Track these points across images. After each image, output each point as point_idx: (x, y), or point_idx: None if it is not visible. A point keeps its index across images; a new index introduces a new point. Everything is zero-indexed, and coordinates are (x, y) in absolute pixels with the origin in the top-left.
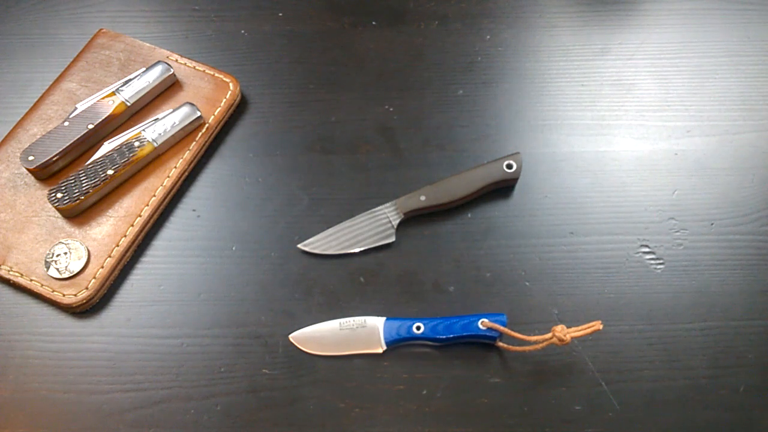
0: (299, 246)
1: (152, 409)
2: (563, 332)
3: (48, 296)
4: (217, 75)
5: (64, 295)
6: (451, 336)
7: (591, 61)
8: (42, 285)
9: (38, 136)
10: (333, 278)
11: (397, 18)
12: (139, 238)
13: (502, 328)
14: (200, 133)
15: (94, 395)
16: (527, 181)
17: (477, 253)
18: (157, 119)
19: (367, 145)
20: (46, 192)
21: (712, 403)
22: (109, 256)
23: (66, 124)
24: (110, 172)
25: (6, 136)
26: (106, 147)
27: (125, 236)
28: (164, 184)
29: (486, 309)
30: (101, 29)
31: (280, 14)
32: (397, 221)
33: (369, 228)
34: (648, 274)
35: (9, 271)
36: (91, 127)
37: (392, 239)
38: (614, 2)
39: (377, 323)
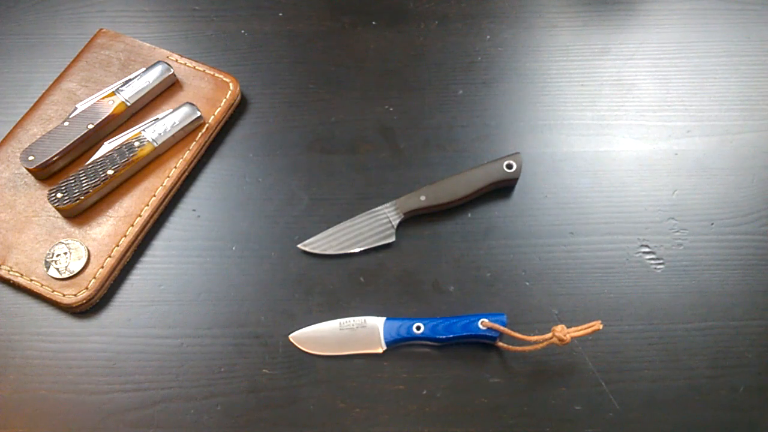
0: (299, 246)
1: (152, 409)
2: (563, 332)
3: (48, 296)
4: (217, 75)
5: (64, 295)
6: (451, 336)
7: (591, 61)
8: (42, 285)
9: (38, 136)
10: (333, 278)
11: (397, 18)
12: (139, 238)
13: (502, 328)
14: (200, 133)
15: (94, 395)
16: (527, 181)
17: (477, 253)
18: (157, 119)
19: (367, 145)
20: (46, 192)
21: (712, 403)
22: (109, 256)
23: (66, 124)
24: (110, 172)
25: (6, 136)
26: (106, 147)
27: (125, 236)
28: (164, 184)
29: (486, 309)
30: (101, 29)
31: (280, 14)
32: (397, 221)
33: (369, 228)
34: (648, 274)
35: (9, 271)
36: (91, 127)
37: (392, 239)
38: (614, 2)
39: (377, 323)
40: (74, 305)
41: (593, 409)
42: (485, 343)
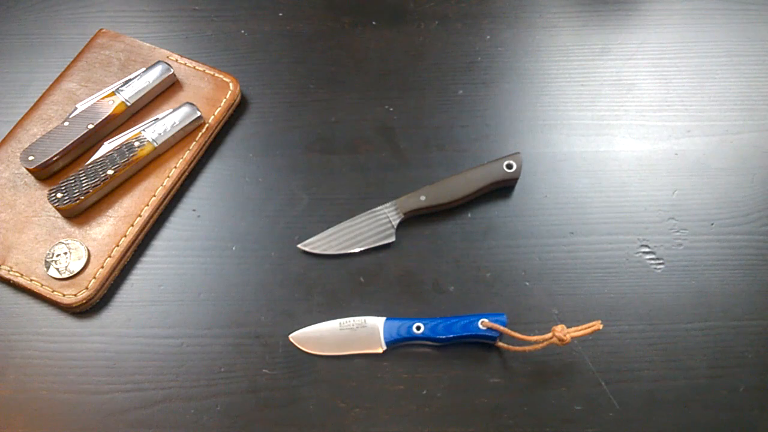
0: (299, 246)
1: (152, 409)
2: (563, 332)
3: (48, 296)
4: (217, 75)
5: (64, 295)
6: (451, 336)
7: (591, 61)
8: (42, 285)
9: (38, 136)
10: (333, 278)
11: (397, 18)
12: (139, 238)
13: (502, 328)
14: (200, 133)
15: (94, 395)
16: (527, 181)
17: (477, 253)
18: (157, 119)
19: (367, 145)
20: (46, 192)
21: (712, 403)
22: (109, 256)
23: (66, 124)
24: (110, 172)
25: (6, 136)
26: (106, 147)
27: (125, 236)
28: (164, 184)
29: (486, 309)
30: (101, 29)
31: (280, 14)
32: (397, 221)
33: (369, 228)
34: (648, 274)
35: (9, 271)
36: (91, 127)
37: (392, 239)
38: (614, 2)
39: (377, 323)
40: (74, 305)
41: (593, 409)
42: (485, 343)
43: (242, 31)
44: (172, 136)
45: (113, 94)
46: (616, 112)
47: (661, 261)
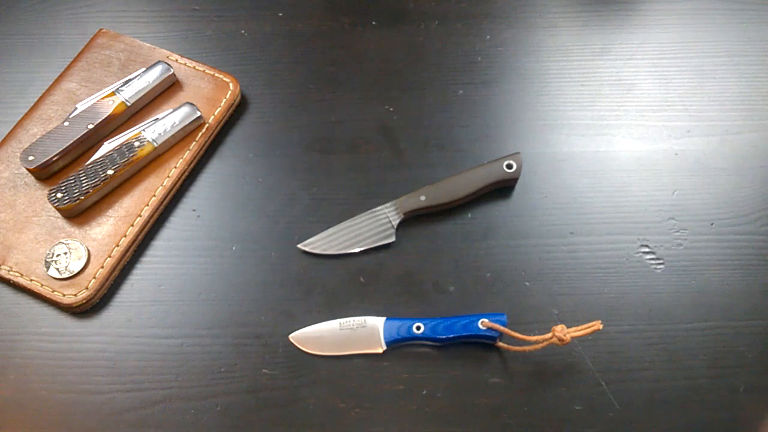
0: (299, 246)
1: (152, 409)
2: (563, 332)
3: (48, 296)
4: (217, 75)
5: (64, 295)
6: (451, 336)
7: (591, 61)
8: (42, 285)
9: (38, 136)
10: (333, 278)
11: (397, 18)
12: (139, 238)
13: (502, 328)
14: (200, 133)
15: (94, 395)
16: (527, 181)
17: (477, 253)
18: (157, 119)
19: (367, 145)
20: (46, 192)
21: (712, 403)
22: (109, 256)
23: (66, 124)
24: (110, 172)
25: (6, 136)
26: (106, 147)
27: (125, 236)
28: (164, 184)
29: (486, 309)
30: (101, 29)
31: (280, 14)
32: (397, 221)
33: (369, 228)
34: (648, 274)
35: (9, 271)
36: (91, 127)
37: (392, 239)
38: (614, 2)
39: (377, 323)
40: (74, 305)
41: (593, 409)
42: (485, 343)
43: (242, 31)
44: (172, 136)
45: (113, 94)
46: (616, 112)
47: (661, 261)
